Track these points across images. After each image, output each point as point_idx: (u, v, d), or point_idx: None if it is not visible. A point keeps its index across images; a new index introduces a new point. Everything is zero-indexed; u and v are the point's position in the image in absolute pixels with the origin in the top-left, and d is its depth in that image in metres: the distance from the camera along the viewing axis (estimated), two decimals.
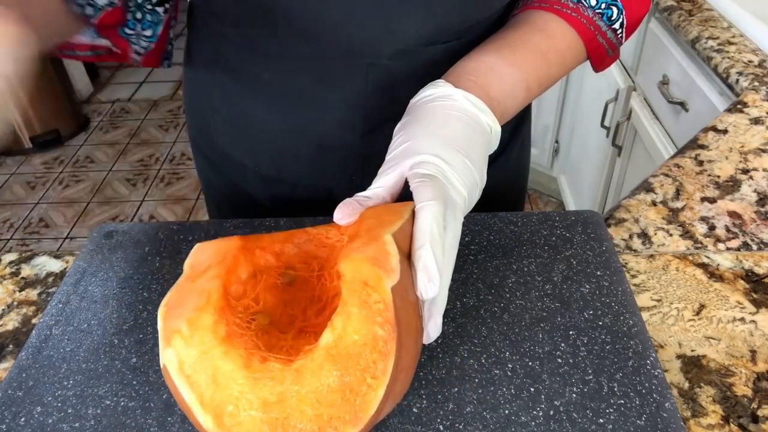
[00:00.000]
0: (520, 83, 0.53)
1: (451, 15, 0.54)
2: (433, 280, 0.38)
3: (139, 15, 0.63)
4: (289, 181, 0.69)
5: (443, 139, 0.45)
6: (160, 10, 0.64)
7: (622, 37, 0.59)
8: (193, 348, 0.36)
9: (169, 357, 0.36)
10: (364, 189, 0.71)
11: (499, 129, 0.50)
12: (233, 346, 0.36)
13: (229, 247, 0.42)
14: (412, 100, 0.51)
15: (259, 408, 0.34)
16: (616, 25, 0.58)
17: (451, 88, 0.49)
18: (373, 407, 0.34)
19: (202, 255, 0.43)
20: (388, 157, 0.47)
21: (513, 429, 0.41)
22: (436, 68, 0.60)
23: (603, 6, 0.56)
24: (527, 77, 0.54)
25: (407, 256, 0.39)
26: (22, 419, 0.43)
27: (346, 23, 0.52)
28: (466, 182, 0.44)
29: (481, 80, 0.51)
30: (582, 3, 0.56)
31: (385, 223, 0.40)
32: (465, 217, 0.59)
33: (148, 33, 0.65)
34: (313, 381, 0.34)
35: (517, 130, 0.73)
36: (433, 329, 0.40)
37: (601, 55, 0.60)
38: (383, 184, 0.45)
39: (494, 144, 0.51)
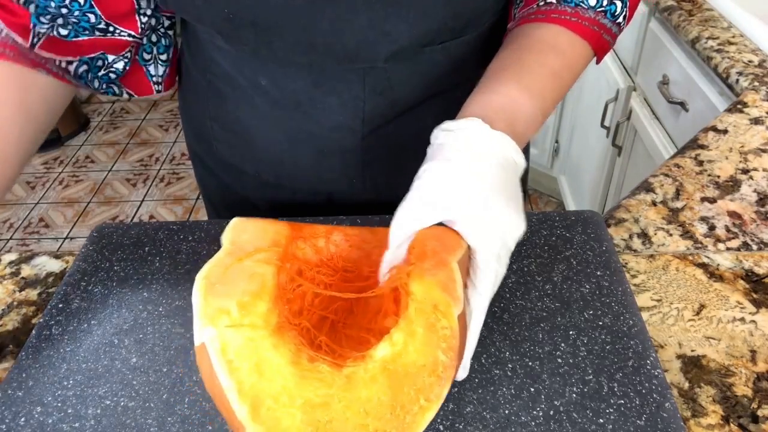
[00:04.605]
0: (539, 111, 0.52)
1: (442, 12, 0.53)
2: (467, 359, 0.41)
3: (154, 38, 0.64)
4: (289, 186, 0.69)
5: (490, 187, 0.43)
6: (171, 33, 0.65)
7: (623, 25, 0.58)
8: (240, 333, 0.34)
9: (210, 336, 0.34)
10: (364, 193, 0.70)
11: (525, 164, 0.49)
12: (283, 340, 0.35)
13: (278, 232, 0.42)
14: (440, 136, 0.47)
15: (302, 407, 0.33)
16: (620, 19, 0.57)
17: (488, 130, 0.46)
18: (422, 428, 0.33)
19: (244, 233, 0.41)
20: (423, 190, 0.43)
21: (513, 429, 0.41)
22: (434, 70, 0.60)
23: (605, 3, 0.55)
24: (546, 104, 0.53)
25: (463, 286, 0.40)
26: (22, 419, 0.43)
27: (339, 30, 0.52)
28: (509, 230, 0.43)
29: (509, 117, 0.49)
30: (581, 5, 0.55)
31: (449, 249, 0.39)
32: None
33: (164, 57, 0.66)
34: (364, 391, 0.34)
35: None
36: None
37: (605, 50, 0.60)
38: (418, 221, 0.42)
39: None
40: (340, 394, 0.33)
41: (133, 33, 0.58)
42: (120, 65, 0.61)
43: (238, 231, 0.42)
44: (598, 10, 0.55)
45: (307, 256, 0.43)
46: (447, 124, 0.47)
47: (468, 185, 0.42)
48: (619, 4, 0.56)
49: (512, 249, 0.43)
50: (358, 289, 0.42)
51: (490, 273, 0.41)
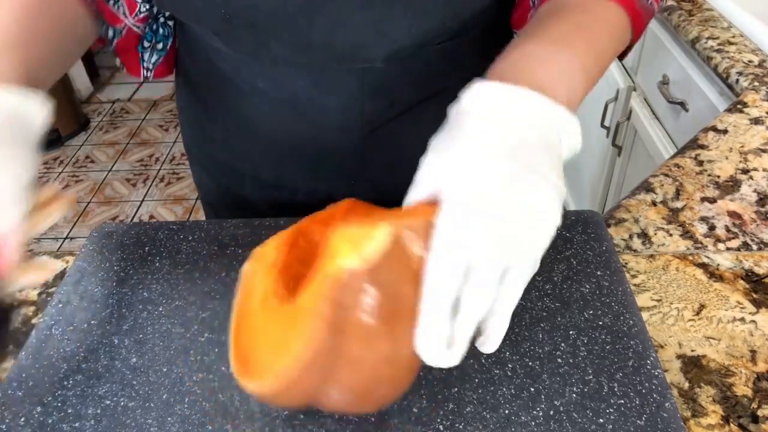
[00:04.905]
0: (571, 62, 0.43)
1: (441, 11, 0.53)
2: (427, 333, 0.35)
3: (155, 27, 0.64)
4: (288, 187, 0.69)
5: (479, 157, 0.36)
6: (171, 23, 0.65)
7: (651, 2, 0.51)
8: (254, 263, 0.43)
9: (246, 263, 0.44)
10: (363, 193, 0.70)
11: (563, 114, 0.39)
12: (269, 274, 0.41)
13: (339, 206, 0.47)
14: (449, 111, 0.42)
15: (252, 331, 0.40)
16: None
17: (483, 85, 0.39)
18: (276, 372, 0.36)
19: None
20: (418, 172, 0.40)
21: (513, 429, 0.41)
22: (433, 70, 0.60)
23: None
24: (577, 53, 0.43)
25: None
26: (22, 419, 0.43)
27: (336, 29, 0.52)
28: (507, 187, 0.35)
29: (518, 68, 0.41)
30: None
31: (401, 213, 0.37)
32: None
33: (159, 46, 0.66)
34: (277, 329, 0.38)
35: None
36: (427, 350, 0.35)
37: (640, 21, 0.50)
38: (410, 198, 0.39)
39: (567, 130, 0.39)
40: (271, 326, 0.39)
41: (127, 12, 0.58)
42: (120, 24, 0.61)
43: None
44: None
45: None
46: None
47: (457, 148, 0.37)
48: None
49: (515, 215, 0.35)
50: None
51: (443, 229, 0.34)
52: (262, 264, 0.42)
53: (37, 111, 0.44)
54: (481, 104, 0.39)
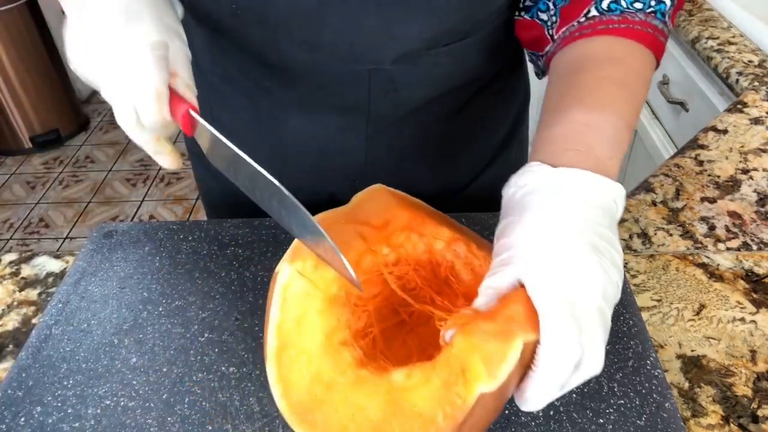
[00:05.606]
0: (620, 126, 0.45)
1: (453, 15, 0.53)
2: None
3: None
4: (290, 186, 0.68)
5: (556, 240, 0.37)
6: None
7: (669, 24, 0.53)
8: (304, 282, 0.38)
9: (283, 271, 0.38)
10: None
11: (620, 191, 0.41)
12: (329, 312, 0.37)
13: (397, 216, 0.43)
14: (508, 192, 0.43)
15: (311, 374, 0.36)
16: (666, 17, 0.52)
17: (549, 170, 0.41)
18: None
19: (374, 201, 0.44)
20: (495, 261, 0.40)
21: (513, 429, 0.41)
22: (439, 71, 0.60)
23: (653, 3, 0.51)
24: (624, 115, 0.46)
25: (525, 365, 0.36)
26: (22, 419, 0.43)
27: (347, 31, 0.52)
28: (604, 285, 0.37)
29: (581, 144, 0.43)
30: (628, 10, 0.51)
31: (527, 325, 0.35)
32: (465, 218, 0.59)
33: None
34: (362, 399, 0.34)
35: (515, 130, 0.73)
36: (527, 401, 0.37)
37: (661, 53, 0.54)
38: (494, 285, 0.38)
39: (620, 205, 0.42)
40: (345, 387, 0.35)
41: None
42: None
43: (371, 196, 0.45)
44: (648, 11, 0.51)
45: (417, 251, 0.44)
46: (512, 178, 0.43)
47: (531, 239, 0.38)
48: (668, 2, 0.52)
49: (595, 313, 0.36)
50: (446, 308, 0.41)
51: (550, 354, 0.35)
52: (319, 292, 0.38)
53: (177, 3, 0.49)
54: (547, 188, 0.40)
